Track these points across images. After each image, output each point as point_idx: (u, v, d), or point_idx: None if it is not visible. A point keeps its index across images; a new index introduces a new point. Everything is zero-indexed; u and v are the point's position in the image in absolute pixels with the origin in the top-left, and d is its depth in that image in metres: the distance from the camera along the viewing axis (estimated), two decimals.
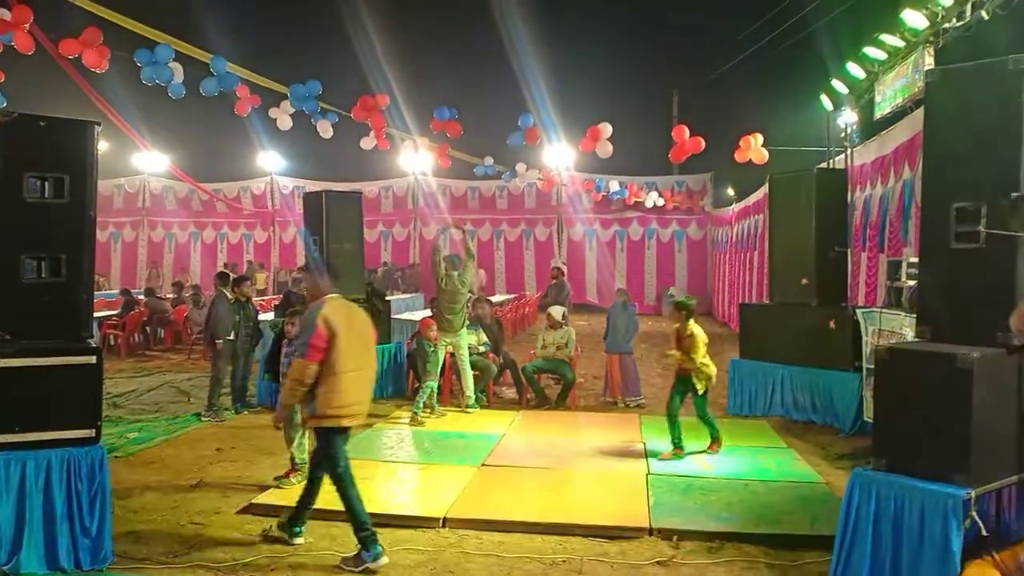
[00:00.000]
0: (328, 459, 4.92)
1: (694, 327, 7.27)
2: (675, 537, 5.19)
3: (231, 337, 9.04)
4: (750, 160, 14.07)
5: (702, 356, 7.20)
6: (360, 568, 4.64)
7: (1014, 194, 4.19)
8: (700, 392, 7.25)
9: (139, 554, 4.88)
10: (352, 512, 4.80)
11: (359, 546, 4.71)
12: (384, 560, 4.70)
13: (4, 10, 10.84)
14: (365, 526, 4.75)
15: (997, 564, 1.08)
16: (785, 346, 8.98)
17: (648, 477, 6.50)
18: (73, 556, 4.58)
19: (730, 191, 22.23)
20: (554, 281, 14.29)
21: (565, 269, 13.26)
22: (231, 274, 10.77)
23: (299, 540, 5.05)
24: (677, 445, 7.17)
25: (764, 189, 12.91)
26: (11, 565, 4.44)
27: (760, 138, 14.19)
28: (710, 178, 23.66)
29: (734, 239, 19.65)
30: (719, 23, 23.73)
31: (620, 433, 8.18)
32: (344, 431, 4.97)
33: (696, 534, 5.24)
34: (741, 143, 14.21)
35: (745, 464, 7.01)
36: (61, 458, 4.60)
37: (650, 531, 5.29)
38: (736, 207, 19.92)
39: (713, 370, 7.30)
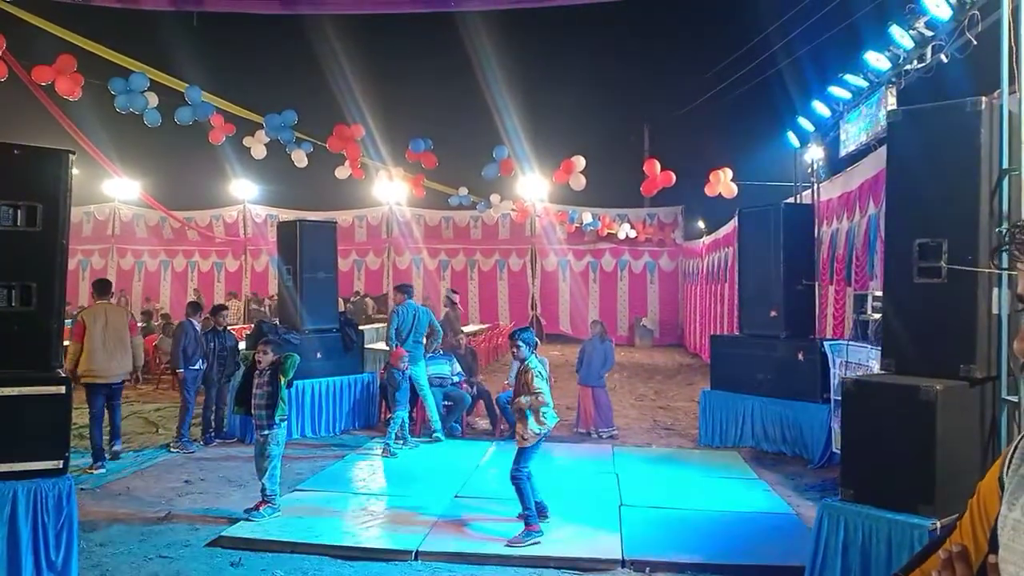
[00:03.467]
0: (88, 403, 7.72)
1: (533, 361, 6.01)
2: (648, 569, 5.21)
3: (197, 366, 8.94)
4: (719, 194, 14.33)
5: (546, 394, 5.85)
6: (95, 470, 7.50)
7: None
8: (523, 444, 5.84)
9: None
10: (90, 440, 7.68)
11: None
12: (102, 470, 7.47)
13: None
14: (97, 450, 7.62)
15: None
16: (755, 378, 9.10)
17: (621, 509, 6.52)
18: None
19: (700, 224, 22.56)
20: (446, 309, 13.54)
21: (456, 297, 12.95)
22: (227, 304, 10.72)
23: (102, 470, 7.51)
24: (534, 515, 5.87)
25: (734, 222, 13.13)
26: None
27: (729, 173, 14.47)
28: (681, 211, 23.99)
29: (705, 271, 19.91)
30: (689, 60, 24.26)
31: (593, 464, 8.21)
32: (96, 387, 7.72)
33: (669, 565, 5.26)
34: (711, 177, 14.48)
35: (717, 495, 7.05)
36: (28, 490, 4.51)
37: (623, 563, 5.30)
38: (706, 240, 20.21)
39: (545, 420, 5.81)
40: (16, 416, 4.57)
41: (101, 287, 8.37)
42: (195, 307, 9.66)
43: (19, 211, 4.76)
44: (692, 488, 7.28)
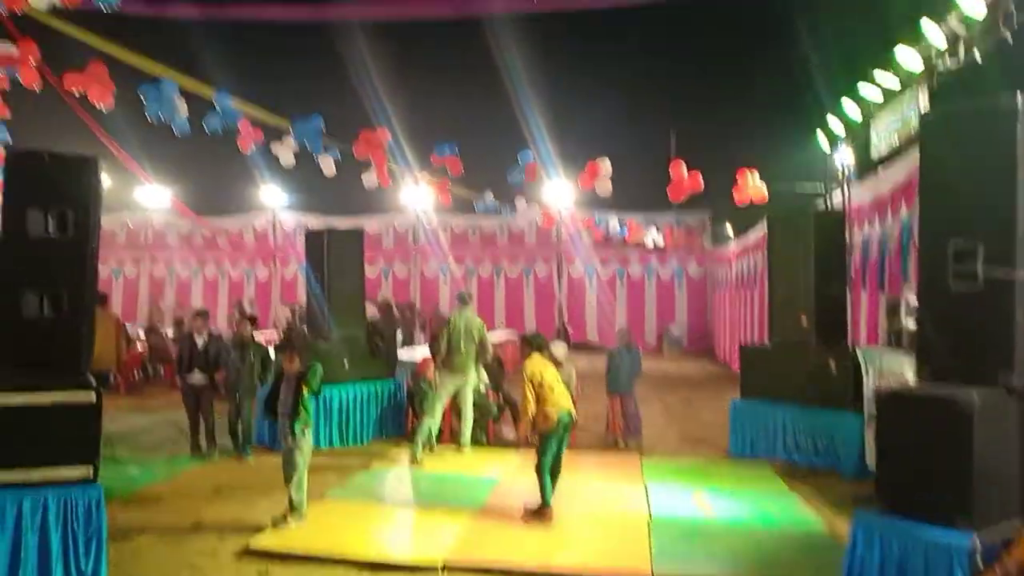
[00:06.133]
0: None
1: (529, 364, 6.51)
2: None
3: (193, 379, 8.97)
4: (750, 200, 14.13)
5: (531, 399, 6.38)
6: None
7: None
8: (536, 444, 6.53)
9: None
10: None
11: None
12: None
13: (10, 45, 10.99)
14: None
15: None
16: (786, 387, 8.90)
17: (650, 522, 6.41)
18: None
19: (728, 229, 22.30)
20: (382, 316, 13.42)
21: (393, 302, 12.85)
22: (247, 313, 11.00)
23: None
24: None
25: (763, 227, 12.94)
26: None
27: (757, 174, 14.26)
28: (709, 216, 23.76)
29: (734, 278, 19.68)
30: (716, 61, 24.03)
31: (621, 475, 8.10)
32: None
33: None
34: (739, 179, 14.27)
35: (748, 509, 6.91)
36: (58, 497, 4.55)
37: None
38: (735, 246, 19.97)
39: (531, 415, 6.39)
40: (47, 423, 4.60)
41: (100, 298, 9.96)
42: (201, 316, 9.71)
43: (50, 218, 4.81)
44: (723, 501, 7.15)
